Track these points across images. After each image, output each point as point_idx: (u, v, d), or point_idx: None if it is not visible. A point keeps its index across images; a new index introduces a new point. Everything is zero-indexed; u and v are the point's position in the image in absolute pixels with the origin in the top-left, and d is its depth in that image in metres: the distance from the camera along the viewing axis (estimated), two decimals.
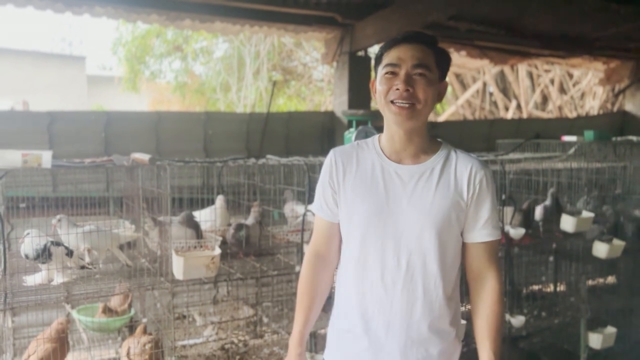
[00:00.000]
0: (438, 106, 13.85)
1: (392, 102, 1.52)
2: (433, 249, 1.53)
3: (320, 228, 1.69)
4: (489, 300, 1.59)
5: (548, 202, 3.69)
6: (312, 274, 1.68)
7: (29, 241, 2.52)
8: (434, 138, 1.64)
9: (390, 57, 1.55)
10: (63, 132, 5.44)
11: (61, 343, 2.56)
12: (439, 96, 1.58)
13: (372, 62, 1.70)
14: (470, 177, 1.56)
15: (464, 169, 1.57)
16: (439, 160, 1.58)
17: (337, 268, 1.72)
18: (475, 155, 1.66)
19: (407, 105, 1.51)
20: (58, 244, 2.57)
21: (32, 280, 2.59)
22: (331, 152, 1.66)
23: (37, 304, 2.48)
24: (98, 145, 5.55)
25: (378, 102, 1.58)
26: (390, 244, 1.54)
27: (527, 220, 3.57)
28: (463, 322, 3.15)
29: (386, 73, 1.54)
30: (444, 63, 1.59)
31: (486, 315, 1.58)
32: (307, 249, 1.72)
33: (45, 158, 2.48)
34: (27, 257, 2.54)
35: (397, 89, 1.51)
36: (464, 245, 1.62)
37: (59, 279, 2.57)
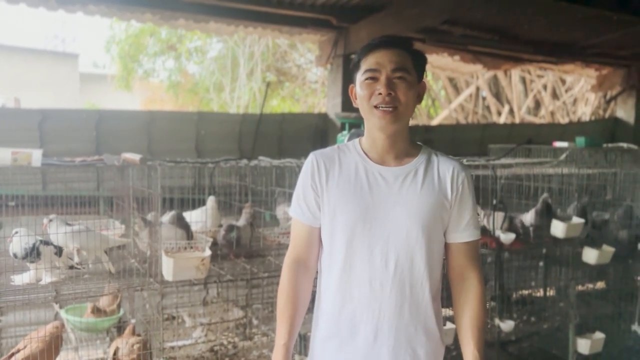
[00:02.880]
0: (431, 110, 13.91)
1: (375, 107, 1.53)
2: (420, 248, 1.54)
3: (300, 233, 1.65)
4: (472, 301, 1.60)
5: (539, 207, 3.70)
6: (293, 283, 1.63)
7: (18, 240, 2.50)
8: (414, 141, 1.65)
9: (368, 62, 1.55)
10: (54, 130, 5.40)
11: (50, 346, 2.53)
12: (419, 97, 1.60)
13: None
14: (453, 178, 1.58)
15: (446, 170, 1.59)
16: (421, 161, 1.60)
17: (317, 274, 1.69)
18: (456, 158, 1.68)
19: (390, 109, 1.52)
20: (47, 243, 2.55)
21: (20, 279, 2.57)
22: (311, 155, 1.65)
23: (24, 303, 2.46)
24: (89, 144, 5.52)
25: (360, 107, 1.59)
26: (377, 246, 1.53)
27: (517, 228, 3.60)
28: (452, 325, 3.16)
29: (366, 79, 1.55)
30: (421, 64, 1.60)
31: (470, 315, 1.59)
32: (286, 256, 1.67)
33: (35, 156, 2.47)
34: (15, 256, 2.52)
35: (380, 94, 1.52)
36: (446, 246, 1.63)
37: (47, 278, 2.55)
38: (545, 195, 3.70)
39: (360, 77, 1.57)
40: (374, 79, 1.54)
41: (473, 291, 1.60)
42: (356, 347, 1.58)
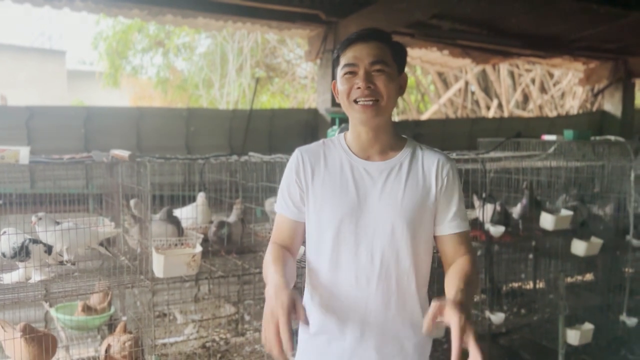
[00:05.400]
0: (421, 105, 13.95)
1: (355, 101, 1.53)
2: (405, 243, 1.53)
3: (284, 225, 1.65)
4: (461, 262, 1.54)
5: (524, 199, 3.72)
6: (279, 248, 1.60)
7: (6, 239, 2.48)
8: (399, 135, 1.65)
9: (347, 57, 1.54)
10: (42, 127, 5.35)
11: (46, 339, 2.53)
12: (400, 90, 1.59)
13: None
14: (437, 170, 1.57)
15: (431, 163, 1.58)
16: (406, 155, 1.59)
17: (303, 267, 1.68)
18: (441, 150, 1.67)
19: (370, 102, 1.51)
20: (36, 241, 2.53)
21: (9, 278, 2.55)
22: (297, 151, 1.64)
23: (14, 302, 2.44)
24: (77, 141, 5.47)
25: (341, 102, 1.58)
26: (363, 242, 1.53)
27: (506, 218, 3.62)
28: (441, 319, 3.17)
29: (345, 73, 1.54)
30: (401, 56, 1.59)
31: (456, 269, 1.52)
32: (270, 243, 1.65)
33: (23, 154, 2.44)
34: (4, 255, 2.50)
35: (359, 88, 1.51)
36: (436, 239, 1.62)
37: (37, 276, 2.53)
38: (525, 184, 3.72)
39: (339, 72, 1.56)
40: (353, 74, 1.52)
41: (463, 258, 1.55)
42: (344, 342, 1.58)
